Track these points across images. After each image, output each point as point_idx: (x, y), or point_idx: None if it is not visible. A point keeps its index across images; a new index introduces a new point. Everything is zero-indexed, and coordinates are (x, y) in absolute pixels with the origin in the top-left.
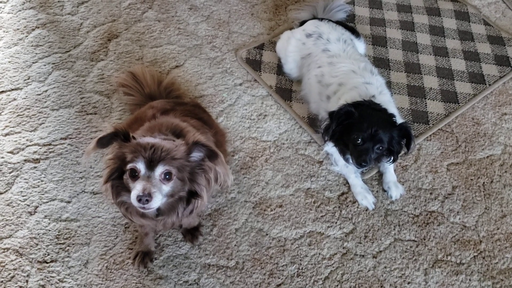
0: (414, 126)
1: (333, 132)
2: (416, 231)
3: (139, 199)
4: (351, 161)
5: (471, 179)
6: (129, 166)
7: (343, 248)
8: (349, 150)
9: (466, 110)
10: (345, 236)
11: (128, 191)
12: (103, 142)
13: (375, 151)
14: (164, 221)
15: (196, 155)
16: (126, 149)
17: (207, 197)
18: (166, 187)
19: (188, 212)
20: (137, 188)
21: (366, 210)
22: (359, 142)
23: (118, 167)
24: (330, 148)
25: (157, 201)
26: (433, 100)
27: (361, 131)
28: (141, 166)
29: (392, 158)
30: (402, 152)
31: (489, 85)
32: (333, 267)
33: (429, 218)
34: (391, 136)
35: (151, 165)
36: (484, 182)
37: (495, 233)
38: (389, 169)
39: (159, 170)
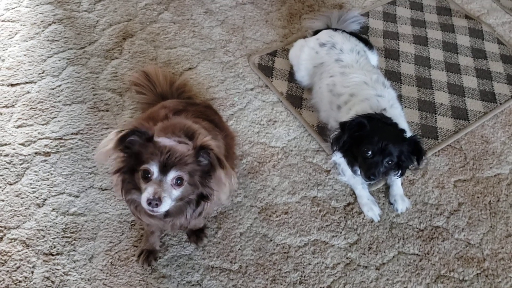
0: (423, 141)
1: (343, 143)
2: (420, 245)
3: (149, 202)
4: (358, 173)
5: (478, 197)
6: (143, 166)
7: (347, 258)
8: (357, 162)
9: (475, 128)
10: (349, 246)
11: (138, 189)
12: (123, 141)
13: (384, 165)
14: (172, 223)
15: (204, 158)
16: (143, 149)
17: (215, 199)
18: (176, 192)
19: (196, 214)
20: (148, 191)
21: (372, 221)
22: (368, 155)
23: (131, 163)
24: (338, 158)
25: (166, 206)
26: (443, 115)
27: (371, 144)
28: (154, 169)
29: (400, 172)
30: (412, 166)
31: (500, 104)
32: (335, 276)
33: (434, 233)
34: (401, 150)
35: (164, 170)
36: (490, 201)
37: (500, 252)
38: (396, 182)
39: (171, 175)
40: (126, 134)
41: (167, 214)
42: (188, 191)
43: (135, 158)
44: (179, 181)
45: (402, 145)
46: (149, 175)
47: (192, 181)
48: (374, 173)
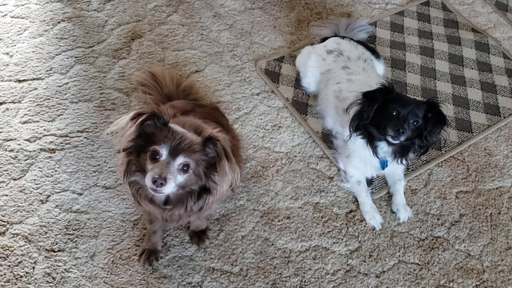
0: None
1: (372, 112)
2: (420, 254)
3: (154, 181)
4: (379, 150)
5: (479, 209)
6: (153, 147)
7: (347, 265)
8: (380, 132)
9: (479, 140)
10: (350, 253)
11: (143, 171)
12: (141, 124)
13: (410, 126)
14: (172, 212)
15: (210, 150)
16: (157, 131)
17: (219, 197)
18: (181, 178)
19: (198, 207)
20: (154, 170)
21: (373, 229)
22: (394, 114)
23: (140, 143)
24: (355, 144)
25: (170, 188)
26: (447, 127)
27: (397, 104)
28: (164, 152)
29: (425, 145)
30: (436, 136)
31: (504, 117)
32: (335, 282)
33: (435, 243)
34: (425, 114)
35: (173, 154)
36: (491, 213)
37: (499, 264)
38: (399, 191)
39: (179, 160)
40: (146, 118)
41: (167, 201)
42: (191, 180)
43: (145, 138)
44: (185, 168)
45: (425, 108)
46: (157, 157)
47: (197, 171)
48: (403, 126)
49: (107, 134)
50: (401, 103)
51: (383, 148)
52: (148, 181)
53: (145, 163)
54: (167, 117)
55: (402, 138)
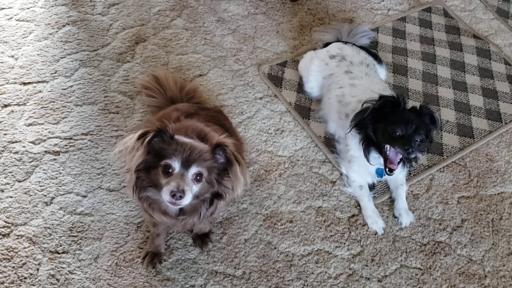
0: (428, 157)
1: (370, 112)
2: (422, 259)
3: (173, 194)
4: (372, 162)
5: (481, 214)
6: (164, 161)
7: (350, 269)
8: (377, 147)
9: (480, 146)
10: (352, 257)
11: (155, 186)
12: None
13: (416, 142)
14: (185, 221)
15: (220, 156)
16: (165, 146)
17: (229, 201)
18: (196, 187)
19: (209, 213)
20: (171, 184)
21: (375, 234)
22: (398, 133)
23: (149, 161)
24: (353, 148)
25: (188, 199)
26: (449, 132)
27: (402, 123)
28: (176, 165)
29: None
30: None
31: (505, 123)
32: (338, 286)
33: (436, 248)
34: (427, 129)
35: (185, 165)
36: (493, 218)
37: (501, 270)
38: (401, 196)
39: (193, 170)
40: (153, 137)
41: (180, 212)
42: (204, 189)
43: (154, 155)
44: (198, 177)
45: (424, 121)
46: (170, 170)
47: (210, 178)
48: (411, 145)
49: (115, 154)
50: (404, 122)
51: (376, 157)
52: (166, 195)
53: (157, 178)
54: (172, 131)
55: (412, 156)
